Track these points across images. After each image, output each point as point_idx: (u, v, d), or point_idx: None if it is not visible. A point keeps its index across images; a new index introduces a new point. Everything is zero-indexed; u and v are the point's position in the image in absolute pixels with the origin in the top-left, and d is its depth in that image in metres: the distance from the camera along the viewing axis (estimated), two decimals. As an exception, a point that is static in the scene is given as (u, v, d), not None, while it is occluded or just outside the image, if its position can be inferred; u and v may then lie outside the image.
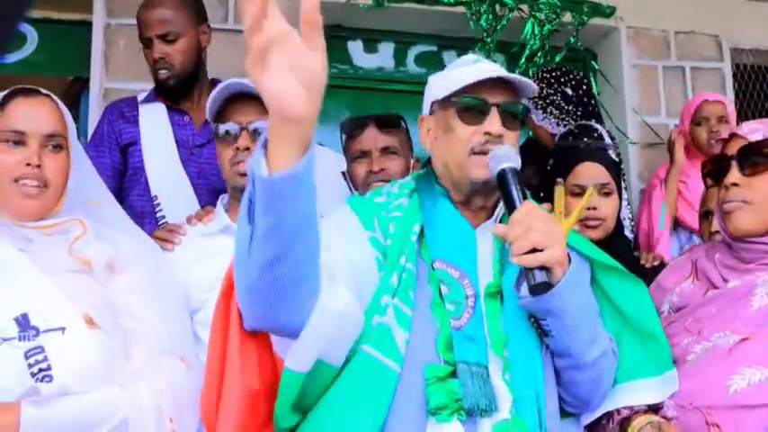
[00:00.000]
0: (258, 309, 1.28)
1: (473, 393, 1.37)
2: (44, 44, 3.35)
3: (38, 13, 3.26)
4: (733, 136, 1.74)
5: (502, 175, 1.45)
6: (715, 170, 1.75)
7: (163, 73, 2.46)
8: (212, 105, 1.98)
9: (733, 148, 1.70)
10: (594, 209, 2.18)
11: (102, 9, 3.27)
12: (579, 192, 2.16)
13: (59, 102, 1.69)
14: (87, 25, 3.29)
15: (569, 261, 1.41)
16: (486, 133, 1.51)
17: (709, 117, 3.24)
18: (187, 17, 2.48)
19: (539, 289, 1.37)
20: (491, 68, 1.57)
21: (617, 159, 2.33)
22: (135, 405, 1.44)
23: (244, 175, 1.89)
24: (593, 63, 3.99)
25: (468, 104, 1.53)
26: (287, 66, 1.11)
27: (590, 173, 2.21)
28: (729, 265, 1.72)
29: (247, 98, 1.95)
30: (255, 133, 1.93)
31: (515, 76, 1.55)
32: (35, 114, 1.62)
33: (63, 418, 1.37)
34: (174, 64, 2.46)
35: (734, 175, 1.67)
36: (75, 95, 3.46)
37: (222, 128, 1.96)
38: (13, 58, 3.25)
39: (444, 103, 1.57)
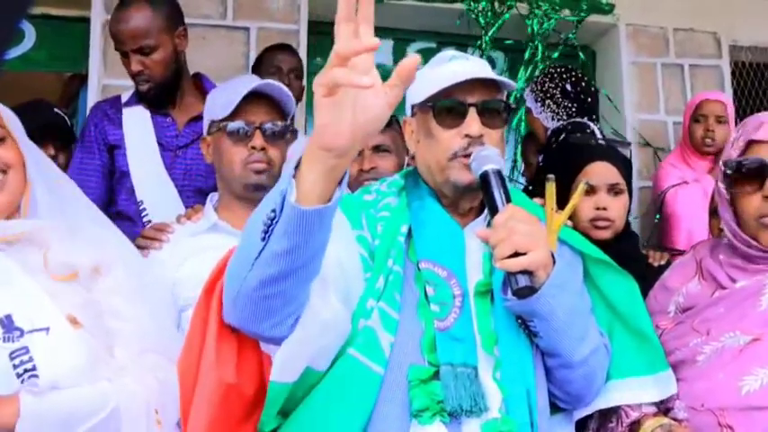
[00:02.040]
0: (242, 314, 1.28)
1: (456, 395, 1.37)
2: (42, 40, 3.35)
3: (36, 10, 3.25)
4: (752, 143, 1.61)
5: (484, 178, 1.43)
6: (742, 178, 1.62)
7: (143, 86, 2.41)
8: (229, 102, 1.92)
9: (762, 153, 1.58)
10: (604, 209, 2.14)
11: (100, 5, 3.27)
12: (590, 191, 2.12)
13: None
14: (85, 21, 3.29)
15: (554, 263, 1.40)
16: (466, 136, 1.48)
17: (708, 115, 3.24)
18: (161, 26, 2.37)
19: (522, 293, 1.36)
20: (467, 68, 1.53)
21: (628, 157, 2.29)
22: (125, 394, 1.44)
23: (259, 172, 1.89)
24: (591, 65, 3.99)
25: (445, 107, 1.50)
26: (351, 97, 1.10)
27: (601, 172, 2.16)
28: (736, 264, 1.69)
29: (259, 97, 1.92)
30: (268, 134, 1.92)
31: (489, 75, 1.51)
32: None
33: (59, 409, 1.37)
34: (154, 75, 2.39)
35: None
36: (73, 92, 3.47)
37: (233, 126, 1.92)
38: (12, 54, 3.24)
39: (422, 106, 1.54)
